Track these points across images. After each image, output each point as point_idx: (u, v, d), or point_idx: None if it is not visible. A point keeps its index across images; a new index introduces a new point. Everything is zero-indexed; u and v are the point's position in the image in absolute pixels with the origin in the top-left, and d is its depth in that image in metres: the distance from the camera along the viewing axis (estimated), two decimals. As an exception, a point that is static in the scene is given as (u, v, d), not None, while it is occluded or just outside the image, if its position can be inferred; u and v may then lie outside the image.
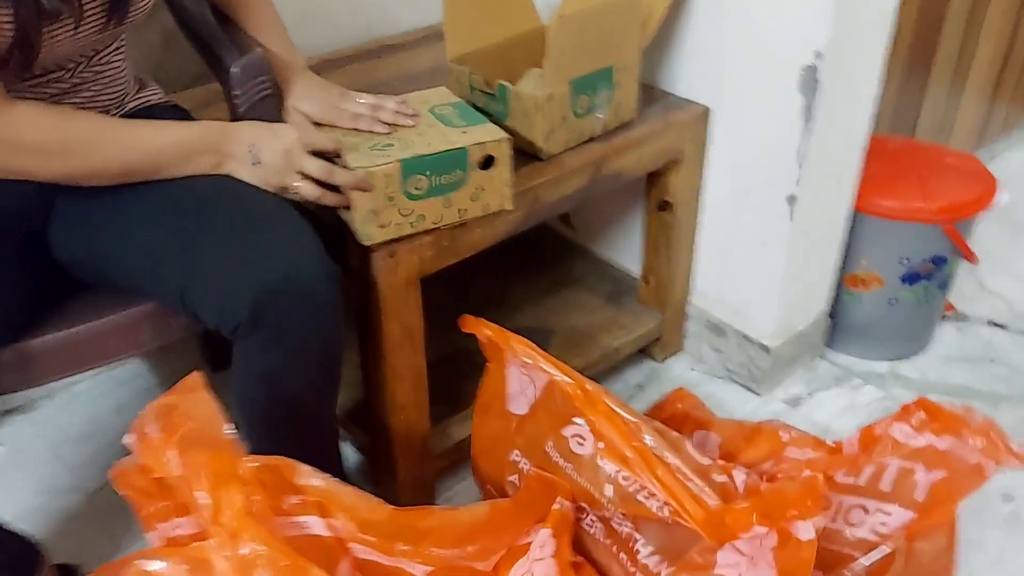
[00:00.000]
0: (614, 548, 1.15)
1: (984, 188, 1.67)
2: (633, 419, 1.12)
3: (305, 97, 1.27)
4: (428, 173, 1.17)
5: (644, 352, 1.82)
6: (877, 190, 1.65)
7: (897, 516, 1.11)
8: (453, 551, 1.07)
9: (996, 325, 1.92)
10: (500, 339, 1.25)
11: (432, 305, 1.35)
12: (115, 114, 1.23)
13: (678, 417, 1.44)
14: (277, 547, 0.87)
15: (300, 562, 0.87)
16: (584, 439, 1.16)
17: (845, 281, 1.76)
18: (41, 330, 1.12)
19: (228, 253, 1.07)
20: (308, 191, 1.14)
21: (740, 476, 1.13)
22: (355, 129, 1.23)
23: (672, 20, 1.54)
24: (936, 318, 1.84)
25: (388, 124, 1.22)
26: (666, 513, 1.06)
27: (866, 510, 1.13)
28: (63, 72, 1.14)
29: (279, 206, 1.12)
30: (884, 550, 1.13)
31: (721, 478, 1.12)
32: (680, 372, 1.80)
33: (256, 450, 1.17)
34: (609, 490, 1.12)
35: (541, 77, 1.32)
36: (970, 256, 1.69)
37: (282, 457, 0.97)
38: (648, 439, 1.09)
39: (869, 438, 1.17)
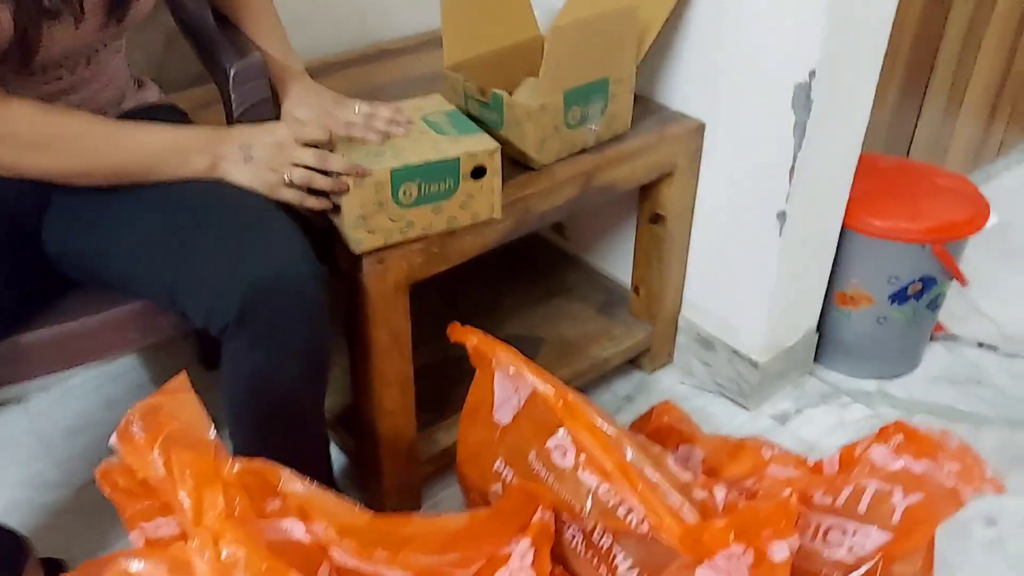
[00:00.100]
0: (594, 561, 1.16)
1: (975, 210, 1.68)
2: (615, 432, 1.13)
3: (300, 102, 1.27)
4: (419, 181, 1.18)
5: (633, 363, 1.83)
6: (868, 209, 1.66)
7: (874, 538, 1.12)
8: (433, 558, 1.07)
9: (985, 347, 1.93)
10: (486, 348, 1.25)
11: (423, 311, 1.36)
12: (112, 114, 1.24)
13: (663, 430, 1.45)
14: (257, 550, 0.87)
15: (280, 565, 0.87)
16: (566, 451, 1.16)
17: (835, 298, 1.77)
18: (31, 326, 1.13)
19: (216, 253, 1.08)
20: (299, 175, 1.13)
21: (720, 493, 1.14)
22: (348, 136, 1.23)
23: (669, 34, 1.55)
24: (925, 338, 1.85)
25: (381, 132, 1.23)
26: (645, 528, 1.06)
27: (844, 531, 1.14)
28: (61, 70, 1.14)
29: (267, 208, 1.13)
30: (861, 571, 1.14)
31: (701, 494, 1.12)
32: (669, 385, 1.81)
33: (244, 449, 1.19)
34: (589, 503, 1.13)
35: (537, 86, 1.33)
36: (960, 278, 1.70)
37: (265, 461, 0.98)
38: (629, 453, 1.10)
39: (848, 459, 1.17)
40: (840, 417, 1.73)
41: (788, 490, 1.16)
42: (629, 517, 1.09)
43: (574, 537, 1.18)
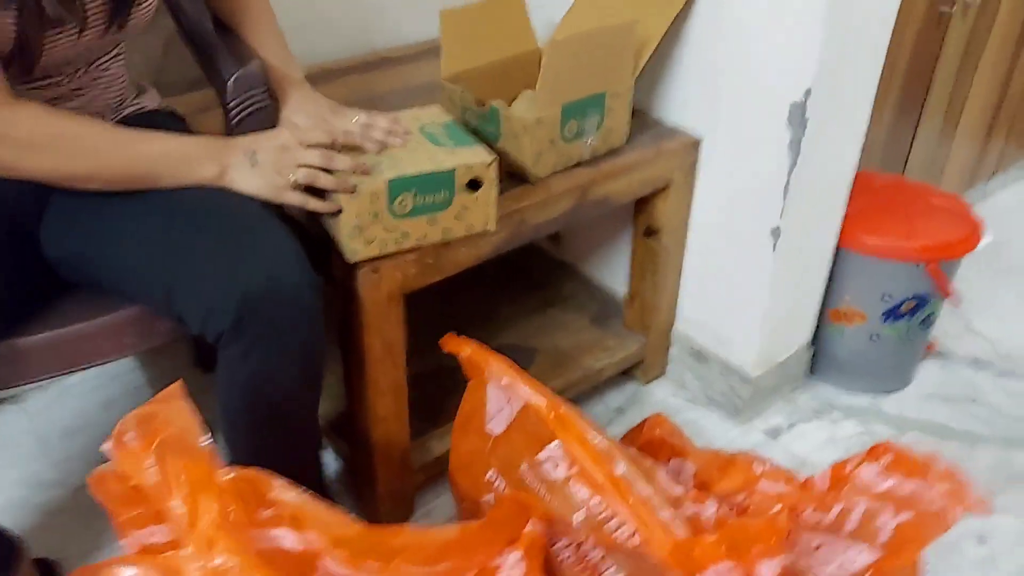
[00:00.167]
0: (584, 574, 1.16)
1: (968, 230, 1.69)
2: (606, 445, 1.13)
3: (299, 110, 1.28)
4: (414, 192, 1.19)
5: (627, 374, 1.83)
6: (862, 226, 1.67)
7: (863, 556, 1.12)
8: (424, 569, 1.07)
9: (979, 365, 1.94)
10: (480, 359, 1.26)
11: (420, 320, 1.37)
12: (111, 119, 1.25)
13: (655, 443, 1.45)
14: (249, 558, 0.88)
15: (271, 574, 0.88)
16: (558, 463, 1.17)
17: (829, 314, 1.77)
18: (28, 329, 1.13)
19: (213, 261, 1.08)
20: (304, 174, 1.14)
21: (711, 508, 1.15)
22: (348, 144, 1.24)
23: (667, 49, 1.56)
24: (918, 356, 1.86)
25: (378, 142, 1.23)
26: (635, 542, 1.07)
27: (833, 548, 1.14)
28: (61, 77, 1.15)
29: (265, 216, 1.14)
30: (849, 588, 1.15)
31: (692, 509, 1.13)
32: (662, 397, 1.82)
33: (237, 454, 1.20)
34: (580, 516, 1.14)
35: (535, 99, 1.34)
36: (953, 297, 1.71)
37: (258, 469, 0.99)
38: (620, 466, 1.10)
39: (838, 476, 1.18)
40: (832, 433, 1.74)
41: (778, 506, 1.17)
42: (620, 531, 1.10)
43: (564, 549, 1.18)
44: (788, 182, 1.47)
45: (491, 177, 1.23)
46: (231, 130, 1.23)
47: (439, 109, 1.35)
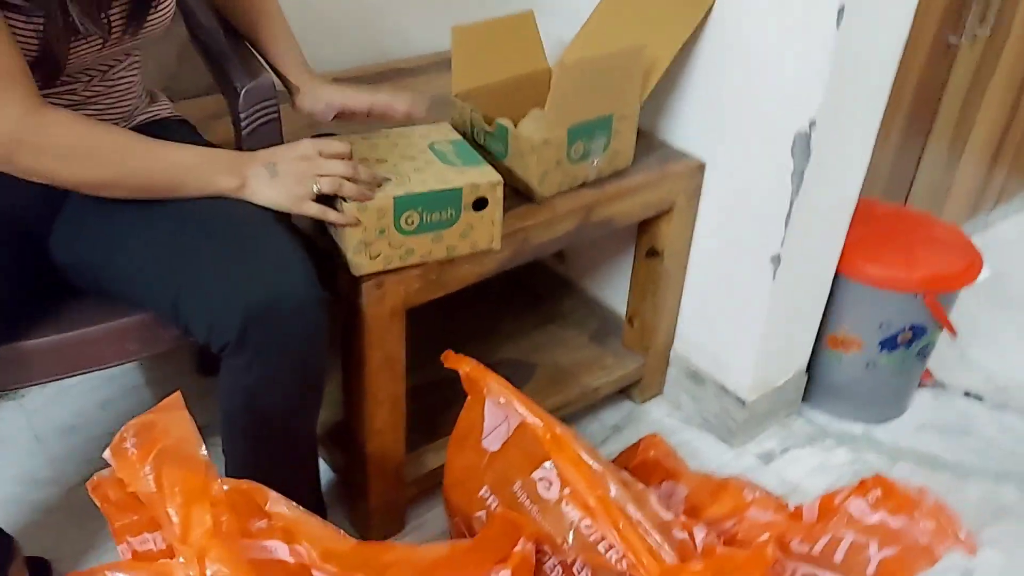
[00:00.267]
0: (572, 593, 1.18)
1: (968, 263, 1.70)
2: (600, 467, 1.15)
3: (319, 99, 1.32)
4: (421, 210, 1.20)
5: (624, 393, 1.84)
6: (862, 255, 1.68)
7: (848, 588, 1.14)
8: (413, 585, 1.09)
9: (974, 397, 1.94)
10: (478, 376, 1.27)
11: (421, 333, 1.38)
12: (123, 127, 1.26)
13: (648, 464, 1.46)
14: (241, 568, 0.89)
15: (261, 586, 0.89)
16: (551, 483, 1.18)
17: (826, 340, 1.78)
18: (33, 332, 1.14)
19: (220, 273, 1.09)
20: (328, 183, 1.14)
21: (700, 534, 1.16)
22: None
23: (675, 73, 1.58)
24: (913, 385, 1.87)
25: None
26: (624, 566, 1.08)
27: (819, 579, 1.16)
28: (76, 84, 1.16)
29: (275, 230, 1.15)
30: (834, 619, 1.16)
31: (681, 535, 1.14)
32: (658, 417, 1.83)
33: (235, 462, 1.21)
34: (571, 537, 1.15)
35: (543, 118, 1.35)
36: (950, 329, 1.72)
37: (253, 482, 1.00)
38: (613, 489, 1.11)
39: (827, 507, 1.19)
40: (824, 460, 1.75)
41: (766, 535, 1.18)
42: (609, 553, 1.11)
43: (554, 569, 1.19)
44: (790, 211, 1.48)
45: (497, 197, 1.25)
46: (241, 141, 1.24)
47: (448, 127, 1.36)
